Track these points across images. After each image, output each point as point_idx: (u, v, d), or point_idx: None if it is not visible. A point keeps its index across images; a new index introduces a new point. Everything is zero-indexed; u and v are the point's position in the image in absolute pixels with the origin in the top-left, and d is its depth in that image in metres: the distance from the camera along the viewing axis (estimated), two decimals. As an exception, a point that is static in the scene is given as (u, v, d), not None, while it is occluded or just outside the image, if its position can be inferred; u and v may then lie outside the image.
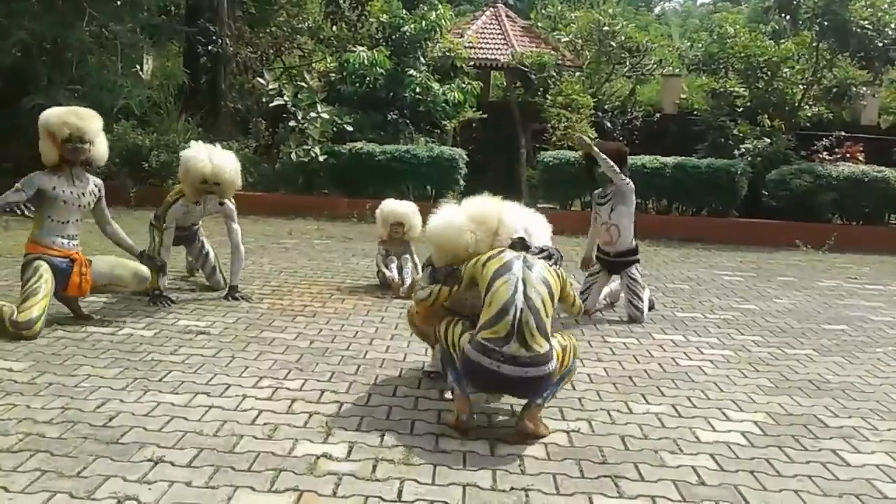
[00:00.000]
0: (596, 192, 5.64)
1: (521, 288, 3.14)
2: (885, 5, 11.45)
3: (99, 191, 4.78)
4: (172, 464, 2.77)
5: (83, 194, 4.63)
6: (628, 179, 5.40)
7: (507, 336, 3.04)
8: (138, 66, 11.69)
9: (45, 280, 4.39)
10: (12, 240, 6.89)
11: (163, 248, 5.28)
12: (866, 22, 11.14)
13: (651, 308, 5.56)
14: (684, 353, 4.66)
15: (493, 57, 16.01)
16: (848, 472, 3.02)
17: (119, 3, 10.77)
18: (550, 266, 3.35)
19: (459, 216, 3.54)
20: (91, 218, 4.86)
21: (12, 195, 4.40)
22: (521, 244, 3.41)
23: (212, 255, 5.73)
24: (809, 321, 5.70)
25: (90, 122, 4.57)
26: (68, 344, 4.18)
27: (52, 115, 4.49)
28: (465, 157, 10.85)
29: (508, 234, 3.46)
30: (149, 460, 2.78)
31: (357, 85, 11.90)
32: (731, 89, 12.48)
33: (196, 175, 5.15)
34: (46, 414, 3.18)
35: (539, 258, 3.35)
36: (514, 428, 3.20)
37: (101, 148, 4.69)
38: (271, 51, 14.12)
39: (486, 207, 3.56)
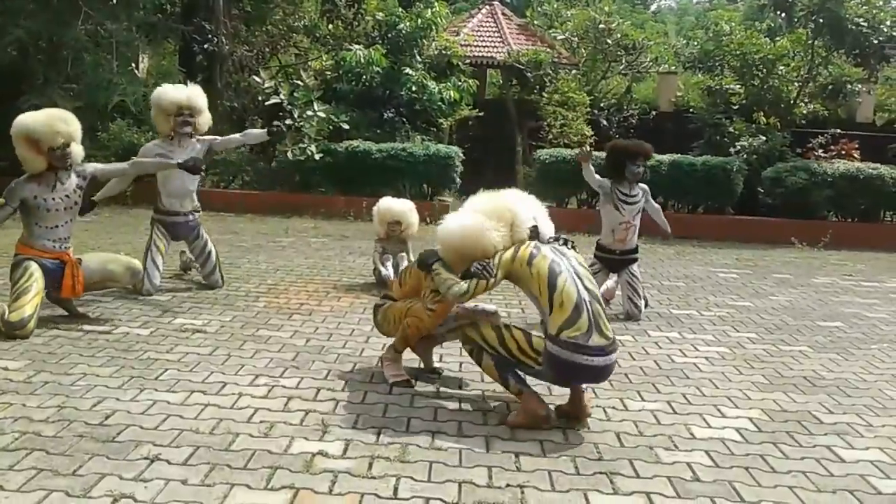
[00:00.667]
0: (619, 187, 5.43)
1: (579, 282, 3.24)
2: (880, 2, 11.48)
3: (85, 178, 4.62)
4: (168, 462, 2.77)
5: (68, 195, 4.53)
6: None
7: (588, 331, 3.14)
8: (134, 65, 11.66)
9: (35, 279, 4.37)
10: (7, 238, 6.87)
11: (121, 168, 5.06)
12: (861, 19, 11.15)
13: (646, 305, 5.57)
14: (680, 349, 4.68)
15: (489, 55, 16.00)
16: (842, 468, 3.04)
17: (115, 1, 10.74)
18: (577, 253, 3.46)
19: (474, 217, 3.46)
20: (87, 218, 4.84)
21: (0, 213, 4.38)
22: (535, 233, 3.45)
23: (213, 254, 5.71)
24: (804, 318, 5.71)
25: (75, 124, 4.50)
26: (64, 342, 4.17)
27: (37, 123, 4.35)
28: (461, 155, 10.84)
29: (524, 225, 3.46)
30: (145, 458, 2.79)
31: (353, 83, 11.88)
32: (727, 87, 12.50)
33: (171, 104, 5.36)
34: (42, 412, 3.18)
35: (566, 248, 3.42)
36: (580, 414, 3.35)
37: (79, 148, 4.61)
38: (267, 49, 14.07)
39: (498, 202, 3.51)
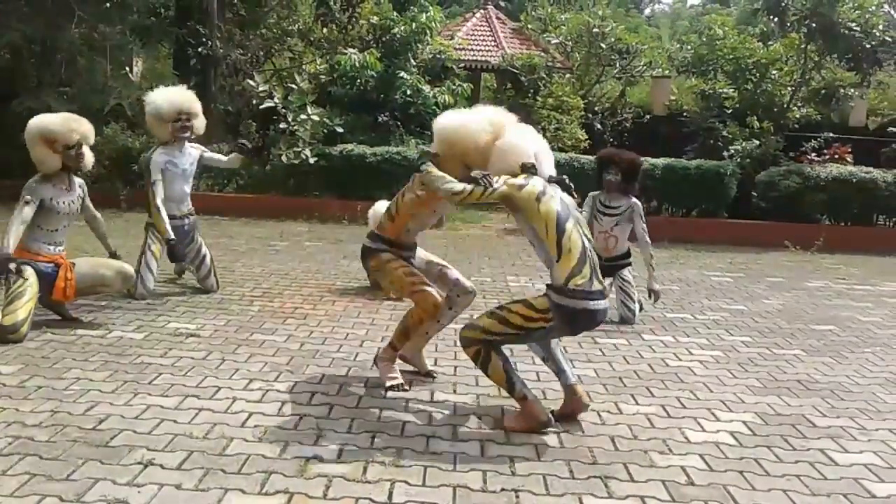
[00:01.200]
0: (599, 196, 5.52)
1: (580, 229, 3.32)
2: (873, 7, 11.52)
3: (83, 191, 4.82)
4: (162, 466, 2.76)
5: (73, 201, 4.67)
6: (635, 199, 5.48)
7: (590, 278, 3.22)
8: (128, 68, 11.64)
9: (30, 283, 4.37)
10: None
11: (156, 204, 5.30)
12: (854, 24, 11.19)
13: (640, 309, 5.58)
14: (674, 353, 4.69)
15: (483, 59, 16.04)
16: (836, 471, 3.05)
17: (108, 4, 10.74)
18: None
19: (478, 117, 3.52)
20: (79, 221, 4.87)
21: (27, 209, 4.40)
22: (532, 170, 3.36)
23: (209, 257, 5.71)
24: (798, 321, 5.73)
25: (87, 125, 4.66)
26: (57, 347, 4.16)
27: (53, 123, 4.50)
28: (455, 158, 10.84)
29: (518, 157, 3.37)
30: (138, 463, 2.78)
31: (348, 87, 11.88)
32: (721, 91, 12.53)
33: (170, 112, 5.38)
34: (35, 417, 3.17)
35: (566, 194, 3.43)
36: (577, 408, 3.43)
37: (90, 154, 4.75)
38: (262, 53, 14.05)
39: (503, 115, 3.57)
